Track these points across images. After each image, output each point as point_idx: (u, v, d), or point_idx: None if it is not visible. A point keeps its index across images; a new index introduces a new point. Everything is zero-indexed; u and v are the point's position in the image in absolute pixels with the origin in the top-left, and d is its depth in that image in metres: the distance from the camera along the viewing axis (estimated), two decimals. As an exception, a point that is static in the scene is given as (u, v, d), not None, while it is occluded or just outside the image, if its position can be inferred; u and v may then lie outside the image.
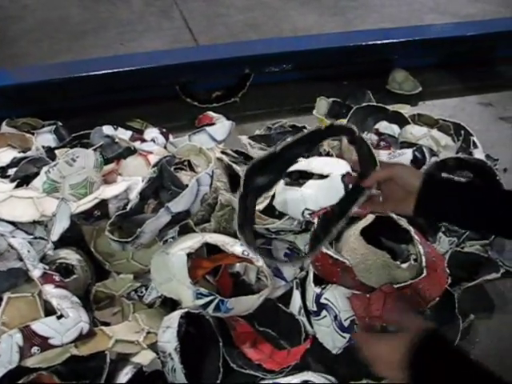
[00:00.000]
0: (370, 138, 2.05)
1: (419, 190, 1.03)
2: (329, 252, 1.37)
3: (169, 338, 1.30)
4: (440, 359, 0.80)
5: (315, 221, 1.45)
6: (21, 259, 1.36)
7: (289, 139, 1.11)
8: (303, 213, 1.41)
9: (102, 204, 1.58)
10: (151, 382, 1.33)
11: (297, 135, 1.12)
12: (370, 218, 1.47)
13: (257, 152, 1.88)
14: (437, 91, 2.73)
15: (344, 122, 2.06)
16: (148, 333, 1.37)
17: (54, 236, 1.46)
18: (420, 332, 0.84)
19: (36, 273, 1.33)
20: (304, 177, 1.67)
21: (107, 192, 1.59)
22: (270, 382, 1.33)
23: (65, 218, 1.48)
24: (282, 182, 1.62)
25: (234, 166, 1.76)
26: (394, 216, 1.47)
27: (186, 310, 1.36)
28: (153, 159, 1.74)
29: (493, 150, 2.20)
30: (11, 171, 1.74)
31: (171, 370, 1.29)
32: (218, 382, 1.35)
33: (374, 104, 2.23)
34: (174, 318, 1.34)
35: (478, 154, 2.00)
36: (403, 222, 1.48)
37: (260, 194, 1.22)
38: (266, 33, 3.32)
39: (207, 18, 3.51)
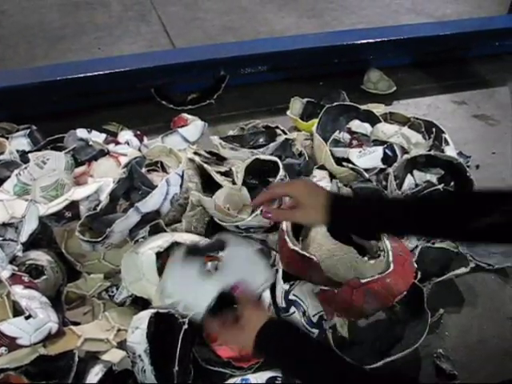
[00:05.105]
0: (342, 136, 2.07)
1: (329, 204, 1.00)
2: (296, 248, 1.38)
3: (138, 340, 1.29)
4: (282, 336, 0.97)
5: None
6: (-11, 261, 1.37)
7: None
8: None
9: (73, 205, 1.58)
10: (121, 380, 1.33)
11: None
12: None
13: (228, 152, 1.89)
14: (411, 90, 2.76)
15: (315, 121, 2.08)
16: (119, 330, 1.37)
17: (23, 237, 1.46)
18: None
19: (4, 274, 1.33)
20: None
21: (78, 193, 1.59)
22: (239, 379, 1.33)
23: (33, 220, 1.48)
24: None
25: (206, 166, 1.77)
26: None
27: (156, 310, 1.36)
28: (124, 161, 1.74)
29: (466, 147, 2.24)
30: (-17, 175, 1.75)
31: (141, 371, 1.28)
32: (190, 382, 1.35)
33: (346, 103, 2.24)
34: (143, 318, 1.33)
35: (450, 151, 2.02)
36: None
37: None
38: (244, 36, 3.34)
39: (185, 22, 3.52)
